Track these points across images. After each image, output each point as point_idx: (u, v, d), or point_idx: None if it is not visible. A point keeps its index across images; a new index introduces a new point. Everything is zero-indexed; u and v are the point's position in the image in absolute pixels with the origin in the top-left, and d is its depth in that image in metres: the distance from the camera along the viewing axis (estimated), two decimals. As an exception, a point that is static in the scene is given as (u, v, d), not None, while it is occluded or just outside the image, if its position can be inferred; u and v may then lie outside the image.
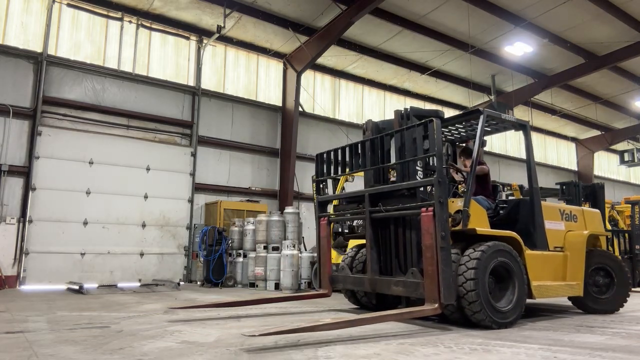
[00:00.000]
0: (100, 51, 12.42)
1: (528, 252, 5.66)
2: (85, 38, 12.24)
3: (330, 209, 7.06)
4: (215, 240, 11.43)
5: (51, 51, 11.60)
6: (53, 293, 9.41)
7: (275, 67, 15.63)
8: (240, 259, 11.48)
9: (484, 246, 5.08)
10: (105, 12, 12.55)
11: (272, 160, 15.18)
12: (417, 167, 5.59)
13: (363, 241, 7.12)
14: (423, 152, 5.33)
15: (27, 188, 10.86)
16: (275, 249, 10.74)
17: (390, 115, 6.48)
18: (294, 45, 14.64)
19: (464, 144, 7.22)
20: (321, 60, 15.67)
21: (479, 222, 5.35)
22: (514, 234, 5.59)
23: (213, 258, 11.20)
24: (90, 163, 11.66)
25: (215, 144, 14.04)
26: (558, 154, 24.39)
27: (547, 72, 17.48)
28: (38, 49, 11.45)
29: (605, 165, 26.55)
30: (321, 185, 6.90)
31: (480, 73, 17.15)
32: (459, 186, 6.60)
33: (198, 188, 13.46)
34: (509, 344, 4.15)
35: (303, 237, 12.37)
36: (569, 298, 6.46)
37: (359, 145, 6.18)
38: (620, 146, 24.50)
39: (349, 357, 3.59)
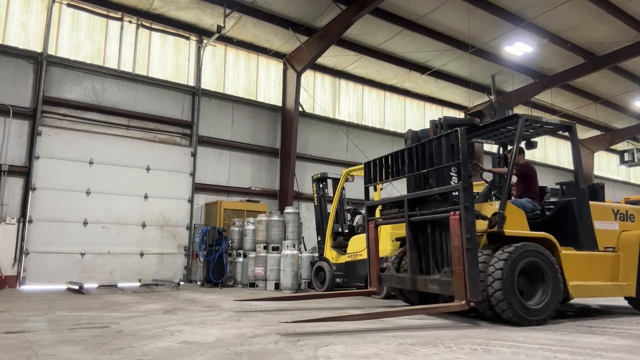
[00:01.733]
0: (100, 51, 12.43)
1: (564, 252, 5.78)
2: (85, 38, 12.25)
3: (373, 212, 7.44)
4: (215, 240, 11.43)
5: (51, 51, 11.61)
6: (53, 293, 9.42)
7: (275, 67, 15.63)
8: (240, 259, 11.48)
9: (512, 247, 5.31)
10: (105, 12, 12.55)
11: (272, 160, 15.18)
12: (452, 173, 6.00)
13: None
14: (451, 160, 5.64)
15: (27, 188, 10.86)
16: (275, 249, 10.74)
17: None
18: (294, 45, 14.64)
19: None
20: (321, 60, 15.68)
21: (517, 224, 5.62)
22: (546, 234, 5.72)
23: (213, 258, 11.20)
24: (90, 163, 11.66)
25: (215, 144, 14.04)
26: (558, 153, 24.39)
27: (547, 72, 17.48)
28: (38, 49, 11.45)
29: (605, 165, 26.56)
30: (369, 191, 7.41)
31: (480, 73, 17.15)
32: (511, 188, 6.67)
33: (198, 188, 13.46)
34: (509, 344, 4.14)
35: (303, 237, 12.38)
36: (626, 298, 6.48)
37: (400, 153, 6.59)
38: (620, 146, 24.51)
39: (349, 357, 3.59)
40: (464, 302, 5.17)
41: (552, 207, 6.58)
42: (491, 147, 20.44)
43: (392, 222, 7.05)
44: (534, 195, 6.46)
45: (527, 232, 5.67)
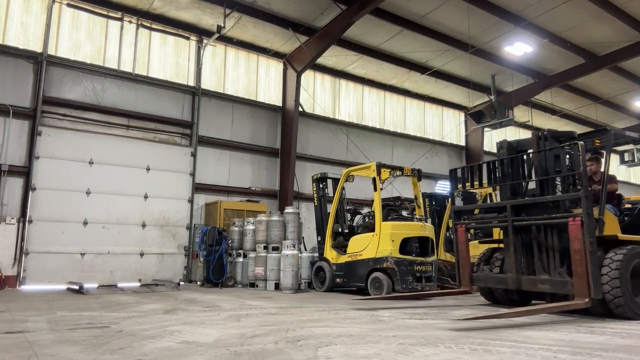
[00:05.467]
0: (100, 51, 12.42)
1: None
2: (85, 38, 12.24)
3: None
4: (215, 240, 11.42)
5: (51, 51, 11.61)
6: (53, 293, 9.42)
7: (275, 67, 15.63)
8: (240, 259, 11.48)
9: (625, 249, 5.91)
10: (105, 12, 12.55)
11: (272, 160, 15.18)
12: (557, 182, 6.42)
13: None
14: (567, 170, 6.22)
15: (27, 188, 10.86)
16: (275, 249, 10.73)
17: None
18: (294, 45, 14.64)
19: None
20: (321, 60, 15.68)
21: (612, 228, 6.14)
22: None
23: (213, 258, 11.20)
24: (90, 163, 11.66)
25: (215, 144, 14.04)
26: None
27: (547, 72, 17.48)
28: (38, 49, 11.45)
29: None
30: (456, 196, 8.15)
31: (480, 73, 17.15)
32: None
33: (198, 188, 13.46)
34: (509, 344, 4.14)
35: (303, 237, 12.38)
36: None
37: (500, 162, 7.07)
38: (620, 146, 24.46)
39: (349, 357, 3.59)
40: (587, 299, 5.67)
41: (628, 212, 7.09)
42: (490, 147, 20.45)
43: (487, 226, 7.51)
44: (614, 202, 6.87)
45: (634, 237, 6.23)
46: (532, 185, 7.04)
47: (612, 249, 5.98)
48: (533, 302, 7.48)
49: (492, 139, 20.28)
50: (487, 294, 7.73)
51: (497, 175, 7.13)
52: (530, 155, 6.86)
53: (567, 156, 6.27)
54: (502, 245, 7.28)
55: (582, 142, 6.07)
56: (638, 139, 6.95)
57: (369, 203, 13.31)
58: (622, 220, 6.79)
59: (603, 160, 6.74)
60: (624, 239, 6.08)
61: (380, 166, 9.57)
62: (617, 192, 7.06)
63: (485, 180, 7.81)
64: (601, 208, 6.05)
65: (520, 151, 7.15)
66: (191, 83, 13.77)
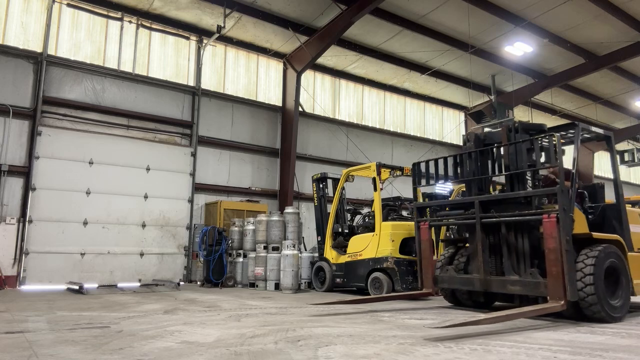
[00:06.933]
0: (100, 51, 12.42)
1: (630, 253, 6.10)
2: (85, 38, 12.24)
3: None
4: (215, 240, 11.43)
5: (51, 51, 11.61)
6: (53, 293, 9.41)
7: (275, 67, 15.63)
8: (240, 259, 11.48)
9: (599, 249, 5.56)
10: (105, 12, 12.54)
11: (272, 160, 15.18)
12: (527, 177, 6.05)
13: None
14: (541, 164, 5.76)
15: (27, 188, 10.86)
16: (275, 249, 10.73)
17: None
18: (294, 45, 14.64)
19: None
20: (321, 60, 15.67)
21: (581, 227, 5.79)
22: (619, 237, 5.99)
23: (213, 258, 11.20)
24: (90, 163, 11.65)
25: (215, 144, 14.04)
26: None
27: (547, 72, 17.48)
28: (38, 49, 11.44)
29: (606, 165, 26.55)
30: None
31: (480, 73, 17.15)
32: None
33: (198, 188, 13.46)
34: (509, 344, 4.14)
35: (303, 237, 12.38)
36: None
37: (467, 155, 6.61)
38: (620, 146, 24.46)
39: (349, 357, 3.59)
40: (562, 302, 5.28)
41: (591, 210, 6.82)
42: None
43: (451, 223, 7.10)
44: (578, 200, 6.67)
45: (606, 235, 5.94)
46: (500, 180, 6.80)
47: (584, 249, 5.64)
48: (496, 303, 7.20)
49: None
50: (450, 295, 7.27)
51: (466, 169, 6.65)
52: (501, 148, 6.42)
53: (541, 149, 5.83)
54: (467, 245, 6.88)
55: (559, 134, 5.70)
56: (603, 135, 6.66)
57: (369, 203, 13.32)
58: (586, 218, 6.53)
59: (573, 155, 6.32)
60: (598, 237, 5.75)
61: (380, 166, 9.58)
62: (580, 190, 6.81)
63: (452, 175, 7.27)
64: (571, 205, 5.71)
65: (488, 144, 6.77)
66: (191, 83, 13.77)
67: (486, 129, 14.45)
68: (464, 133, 5.86)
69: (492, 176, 6.53)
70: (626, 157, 22.03)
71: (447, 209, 7.30)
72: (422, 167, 7.28)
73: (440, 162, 7.07)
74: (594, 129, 6.53)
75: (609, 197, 6.97)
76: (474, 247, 6.42)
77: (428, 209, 7.39)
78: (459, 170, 6.84)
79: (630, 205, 7.18)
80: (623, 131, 23.42)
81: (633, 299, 6.21)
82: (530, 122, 17.57)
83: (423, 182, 7.32)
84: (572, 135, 6.60)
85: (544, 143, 5.90)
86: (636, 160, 21.68)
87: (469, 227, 6.63)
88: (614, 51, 15.54)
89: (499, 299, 6.97)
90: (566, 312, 5.55)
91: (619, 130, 23.52)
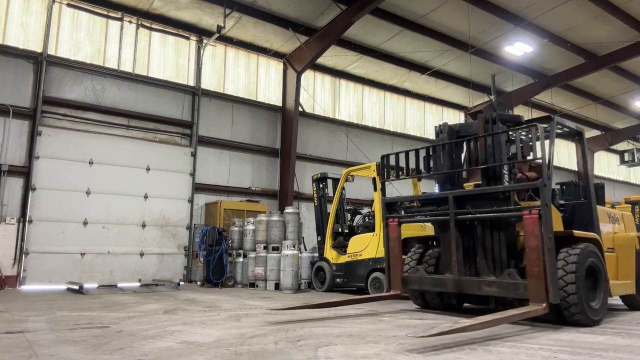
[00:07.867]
0: (100, 51, 12.42)
1: (606, 253, 5.92)
2: (85, 38, 12.24)
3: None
4: (215, 240, 11.43)
5: (51, 51, 11.60)
6: (53, 293, 9.41)
7: (275, 67, 15.62)
8: (240, 259, 11.48)
9: (579, 248, 5.24)
10: (105, 12, 12.54)
11: (272, 160, 15.18)
12: (504, 171, 5.72)
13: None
14: (521, 157, 5.37)
15: (27, 188, 10.85)
16: (275, 249, 10.73)
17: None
18: (294, 45, 14.64)
19: None
20: (321, 60, 15.67)
21: (558, 225, 5.47)
22: (597, 236, 5.78)
23: (213, 258, 11.20)
24: (90, 163, 11.65)
25: (215, 144, 14.04)
26: (558, 154, 24.37)
27: (547, 72, 17.48)
28: (38, 49, 11.44)
29: (605, 165, 26.56)
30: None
31: (480, 73, 17.15)
32: None
33: (198, 188, 13.46)
34: (509, 344, 4.15)
35: (303, 237, 12.38)
36: (621, 297, 6.71)
37: (441, 147, 6.23)
38: (620, 146, 24.51)
39: (349, 357, 3.59)
40: (544, 305, 4.93)
41: (562, 209, 6.57)
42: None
43: (422, 220, 6.60)
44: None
45: (586, 233, 5.66)
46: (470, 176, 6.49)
47: (564, 248, 5.28)
48: (466, 305, 6.84)
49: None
50: (418, 297, 6.77)
51: (440, 162, 6.24)
52: (478, 140, 6.01)
53: (520, 141, 5.44)
54: (438, 243, 6.51)
55: (542, 125, 5.34)
56: (575, 130, 6.40)
57: (369, 203, 13.30)
58: None
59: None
60: (579, 236, 5.46)
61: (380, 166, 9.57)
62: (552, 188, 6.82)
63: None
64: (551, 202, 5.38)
65: (462, 136, 6.38)
66: (191, 83, 13.76)
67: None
68: (436, 125, 5.50)
69: (468, 169, 6.14)
70: (626, 157, 22.05)
71: (416, 204, 6.78)
72: (392, 159, 6.75)
73: (412, 155, 6.65)
74: (568, 123, 6.24)
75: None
76: (446, 245, 6.01)
77: (398, 205, 7.04)
78: (431, 164, 6.40)
79: (609, 205, 7.15)
80: (623, 131, 23.44)
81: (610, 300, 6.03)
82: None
83: (392, 176, 6.83)
84: (547, 128, 6.46)
85: (521, 136, 5.52)
86: (636, 160, 21.69)
87: (441, 224, 6.22)
88: (614, 51, 15.55)
89: (471, 300, 6.60)
90: (545, 316, 5.16)
91: (619, 130, 23.55)
